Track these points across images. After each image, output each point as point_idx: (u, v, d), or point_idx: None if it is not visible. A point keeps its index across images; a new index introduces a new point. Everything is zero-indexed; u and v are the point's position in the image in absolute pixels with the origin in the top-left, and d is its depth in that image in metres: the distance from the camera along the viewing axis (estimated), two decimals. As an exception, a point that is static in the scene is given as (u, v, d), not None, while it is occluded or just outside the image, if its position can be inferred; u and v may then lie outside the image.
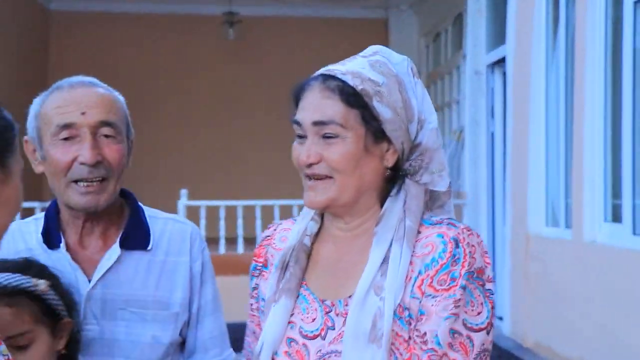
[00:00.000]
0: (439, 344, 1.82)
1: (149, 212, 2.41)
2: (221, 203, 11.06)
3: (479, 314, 1.85)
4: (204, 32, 14.18)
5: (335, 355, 1.88)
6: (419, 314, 1.85)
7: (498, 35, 9.93)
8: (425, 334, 1.83)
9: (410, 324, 1.85)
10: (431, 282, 1.85)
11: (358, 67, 1.93)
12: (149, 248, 2.34)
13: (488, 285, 1.89)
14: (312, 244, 2.03)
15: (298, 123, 1.93)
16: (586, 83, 7.24)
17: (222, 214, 10.96)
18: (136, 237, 2.34)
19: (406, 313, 1.85)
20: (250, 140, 14.51)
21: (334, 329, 1.91)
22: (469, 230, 1.91)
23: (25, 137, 2.27)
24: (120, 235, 2.32)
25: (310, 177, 1.92)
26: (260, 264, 2.10)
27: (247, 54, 14.42)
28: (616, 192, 7.06)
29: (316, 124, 1.89)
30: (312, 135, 1.91)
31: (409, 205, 1.94)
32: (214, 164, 14.32)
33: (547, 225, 8.40)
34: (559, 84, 8.20)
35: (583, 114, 7.27)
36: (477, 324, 1.85)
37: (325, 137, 1.89)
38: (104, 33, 14.23)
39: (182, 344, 2.41)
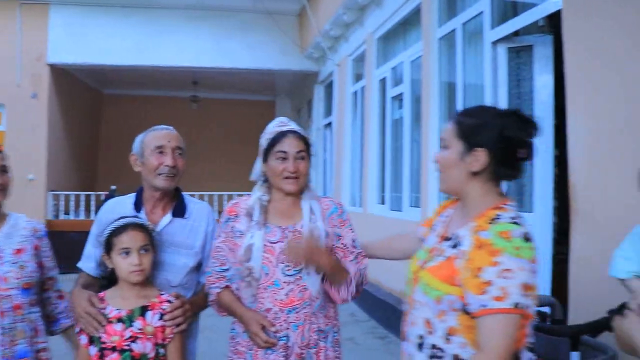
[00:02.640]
0: (359, 248, 2.02)
1: (187, 197, 2.28)
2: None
3: (354, 239, 2.03)
4: (180, 105, 13.76)
5: None
6: (337, 235, 2.00)
7: (329, 110, 10.02)
8: (346, 245, 1.99)
9: (327, 236, 1.97)
10: (337, 222, 2.00)
11: (297, 127, 2.01)
12: (185, 216, 2.22)
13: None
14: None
15: (284, 151, 1.95)
16: (370, 136, 7.24)
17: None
18: (180, 211, 2.21)
19: (324, 232, 1.96)
20: (203, 159, 13.84)
21: (287, 237, 1.95)
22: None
23: (132, 153, 2.21)
24: (172, 209, 2.21)
25: (291, 177, 1.95)
26: (234, 215, 2.03)
27: (203, 118, 13.93)
28: (382, 188, 7.09)
29: (298, 152, 1.95)
30: (292, 157, 1.95)
31: (311, 186, 2.04)
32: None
33: (351, 205, 8.36)
34: (357, 136, 8.19)
35: (368, 151, 7.28)
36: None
37: (300, 158, 1.95)
38: (131, 109, 13.71)
39: (198, 268, 2.25)
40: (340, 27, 8.23)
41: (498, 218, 1.49)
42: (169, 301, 2.00)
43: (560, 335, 2.21)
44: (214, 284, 2.06)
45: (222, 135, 14.19)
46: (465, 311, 1.46)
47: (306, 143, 1.99)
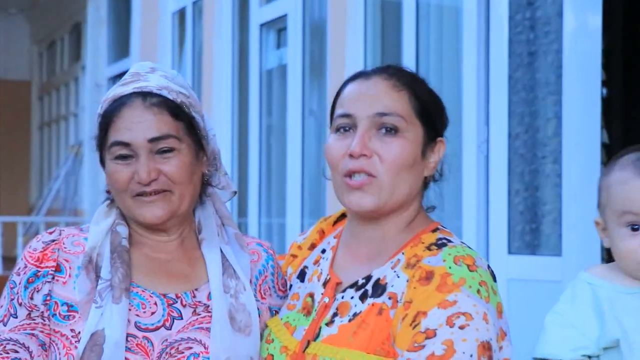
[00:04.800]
0: None
1: None
2: None
3: None
4: None
5: (187, 342, 1.95)
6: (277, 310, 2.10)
7: (121, 47, 9.78)
8: None
9: (261, 316, 2.05)
10: (275, 286, 2.12)
11: (163, 82, 1.99)
12: None
13: None
14: None
15: (122, 143, 1.95)
16: (215, 103, 7.29)
17: None
18: None
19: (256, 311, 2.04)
20: None
21: (181, 318, 1.98)
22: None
23: None
24: None
25: (146, 194, 1.97)
26: (51, 269, 1.99)
27: None
28: (242, 212, 7.16)
29: (152, 140, 1.94)
30: (145, 152, 1.95)
31: (222, 212, 2.13)
32: None
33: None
34: None
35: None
36: None
37: (164, 150, 1.96)
38: None
39: None
40: None
41: (447, 240, 1.86)
42: None
43: None
44: None
45: None
46: None
47: (178, 116, 2.01)
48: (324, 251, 2.09)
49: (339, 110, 1.96)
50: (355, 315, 1.85)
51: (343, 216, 2.14)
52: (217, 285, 2.01)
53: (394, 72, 1.96)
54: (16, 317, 1.97)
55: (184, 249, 2.07)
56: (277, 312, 2.11)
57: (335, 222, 2.15)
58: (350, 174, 1.90)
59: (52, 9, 12.57)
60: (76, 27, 11.43)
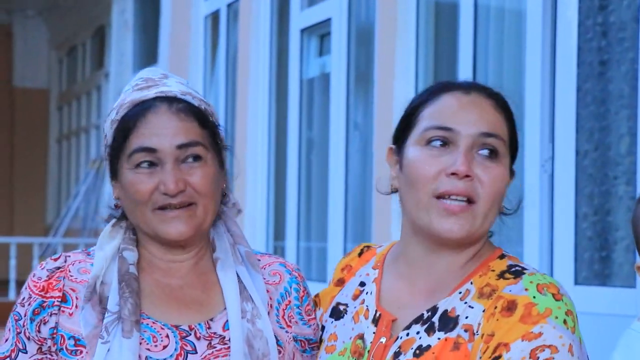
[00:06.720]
0: None
1: None
2: None
3: None
4: None
5: None
6: (306, 340, 2.14)
7: (148, 53, 9.82)
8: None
9: (280, 352, 2.06)
10: (301, 312, 2.14)
11: (183, 88, 2.06)
12: None
13: None
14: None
15: (148, 149, 1.97)
16: (250, 115, 7.25)
17: None
18: None
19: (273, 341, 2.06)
20: None
21: (195, 352, 2.00)
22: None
23: None
24: None
25: (173, 207, 1.98)
26: (57, 299, 2.02)
27: None
28: (279, 235, 7.17)
29: (180, 147, 1.98)
30: (172, 160, 1.98)
31: (234, 230, 2.15)
32: None
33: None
34: (218, 108, 8.11)
35: (245, 149, 7.27)
36: None
37: (191, 158, 2.00)
38: None
39: None
40: None
41: (522, 267, 1.94)
42: None
43: None
44: None
45: None
46: None
47: (204, 123, 2.06)
48: (362, 284, 2.12)
49: (432, 122, 1.94)
50: (421, 349, 1.88)
51: (367, 247, 2.25)
52: (236, 314, 2.04)
53: (492, 92, 2.01)
54: (26, 352, 2.01)
55: (198, 272, 2.11)
56: (302, 342, 2.14)
57: (360, 254, 2.22)
58: (444, 196, 1.90)
59: (73, 11, 12.67)
60: (99, 30, 11.49)
